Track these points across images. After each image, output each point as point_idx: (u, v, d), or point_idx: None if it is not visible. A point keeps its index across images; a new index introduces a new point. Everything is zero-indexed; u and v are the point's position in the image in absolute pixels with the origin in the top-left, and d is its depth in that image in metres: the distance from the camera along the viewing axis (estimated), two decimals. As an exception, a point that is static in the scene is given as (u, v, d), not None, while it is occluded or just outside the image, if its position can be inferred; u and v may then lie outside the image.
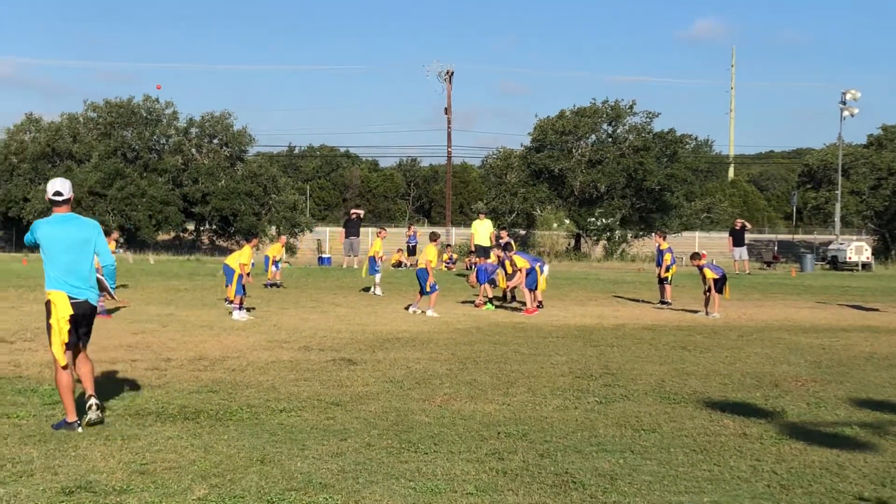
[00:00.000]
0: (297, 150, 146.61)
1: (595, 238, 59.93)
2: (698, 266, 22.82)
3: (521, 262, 23.37)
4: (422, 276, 22.30)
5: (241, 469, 7.88)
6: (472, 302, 24.40)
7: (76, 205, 55.84)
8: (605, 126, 62.13)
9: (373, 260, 27.71)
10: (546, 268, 24.54)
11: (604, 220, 58.88)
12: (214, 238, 65.15)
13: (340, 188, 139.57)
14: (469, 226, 46.23)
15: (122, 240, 46.41)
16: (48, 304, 9.48)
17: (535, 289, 23.13)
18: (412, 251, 44.01)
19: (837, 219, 63.73)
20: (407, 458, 8.35)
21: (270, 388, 11.76)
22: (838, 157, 65.61)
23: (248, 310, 20.94)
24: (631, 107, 61.36)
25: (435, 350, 15.50)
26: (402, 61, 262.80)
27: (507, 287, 24.14)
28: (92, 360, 9.95)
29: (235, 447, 8.61)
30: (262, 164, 65.77)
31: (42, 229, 9.56)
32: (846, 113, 58.26)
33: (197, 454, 8.32)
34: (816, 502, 7.25)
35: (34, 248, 9.70)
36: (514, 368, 13.61)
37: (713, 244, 61.41)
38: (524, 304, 23.26)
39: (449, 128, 65.48)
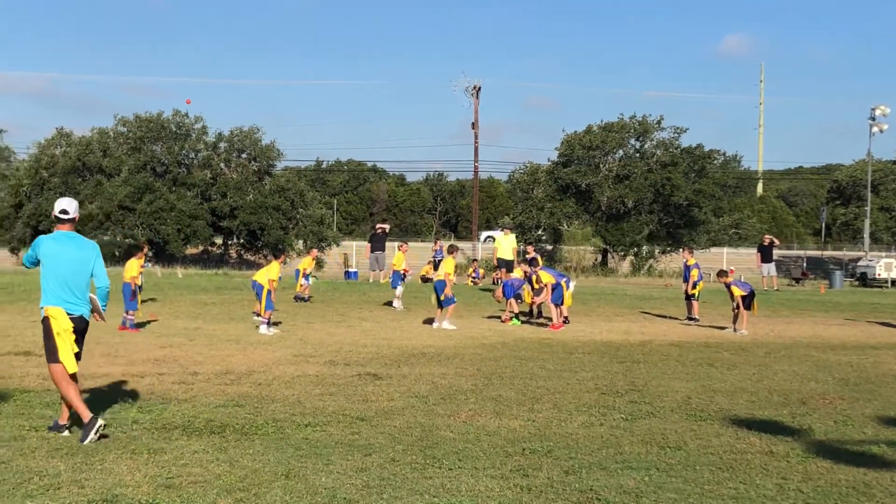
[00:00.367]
0: (324, 165, 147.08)
1: (622, 253, 59.75)
2: (725, 283, 22.71)
3: (547, 277, 23.35)
4: (439, 287, 22.44)
5: (266, 483, 7.90)
6: (499, 317, 24.37)
7: (105, 218, 56.43)
8: (632, 141, 61.94)
9: (395, 274, 27.88)
10: (572, 284, 24.51)
11: (634, 236, 58.72)
12: (242, 252, 65.32)
13: (367, 202, 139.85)
14: (493, 240, 46.11)
15: (150, 254, 46.69)
16: (46, 320, 9.72)
17: (561, 304, 23.09)
18: (438, 266, 43.94)
19: (867, 235, 63.39)
20: (431, 473, 8.35)
21: (296, 402, 11.79)
22: (867, 173, 65.31)
23: (275, 324, 21.02)
24: (659, 122, 61.19)
25: (460, 365, 15.50)
26: (430, 76, 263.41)
27: (534, 303, 24.11)
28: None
29: (261, 461, 8.64)
30: (289, 179, 65.91)
31: (44, 245, 9.83)
32: (875, 129, 57.99)
33: (222, 468, 8.36)
34: (843, 521, 7.21)
35: (35, 263, 9.88)
36: (540, 384, 13.59)
37: (741, 260, 61.13)
38: (550, 319, 23.22)
39: (476, 142, 65.64)
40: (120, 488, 7.68)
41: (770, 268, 41.72)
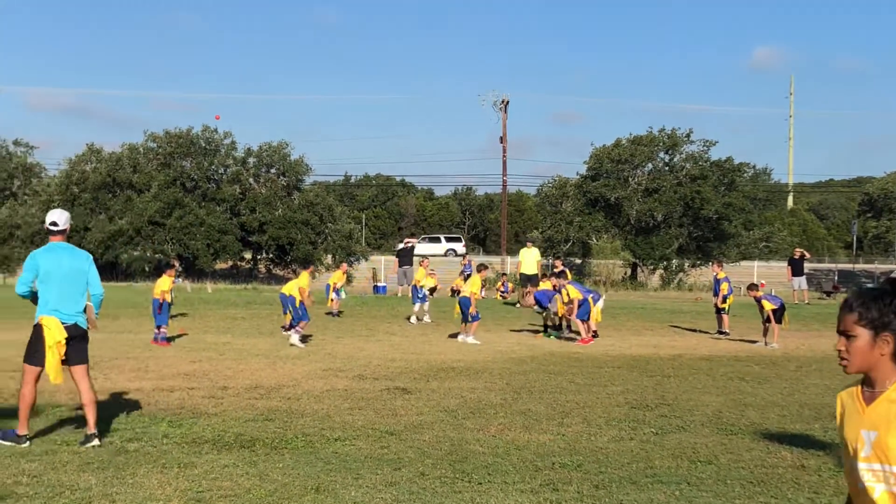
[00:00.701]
0: (352, 179, 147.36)
1: (652, 267, 59.56)
2: (756, 297, 22.60)
3: (574, 293, 23.30)
4: (464, 304, 22.47)
5: (295, 497, 7.91)
6: (529, 330, 24.35)
7: (136, 234, 56.74)
8: (661, 154, 61.75)
9: (415, 289, 28.01)
10: (601, 300, 24.43)
11: (664, 250, 58.50)
12: (271, 267, 65.50)
13: (396, 217, 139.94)
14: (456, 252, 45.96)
15: (180, 269, 46.87)
16: (38, 327, 9.93)
17: (588, 319, 23.02)
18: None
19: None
20: (461, 488, 8.34)
21: (325, 416, 11.80)
22: (899, 186, 64.81)
23: (305, 338, 21.09)
24: (688, 135, 60.99)
25: (489, 379, 15.48)
26: (458, 91, 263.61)
27: (564, 315, 24.09)
28: (95, 392, 10.25)
29: (290, 475, 8.65)
30: (318, 194, 66.05)
31: (38, 259, 10.04)
32: (907, 141, 57.50)
33: (252, 482, 8.37)
34: (876, 537, 7.14)
35: (31, 285, 10.03)
36: (569, 398, 13.56)
37: (772, 273, 60.78)
38: (578, 334, 23.18)
39: (504, 156, 65.60)
40: (150, 502, 7.71)
41: (801, 281, 41.46)
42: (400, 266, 40.89)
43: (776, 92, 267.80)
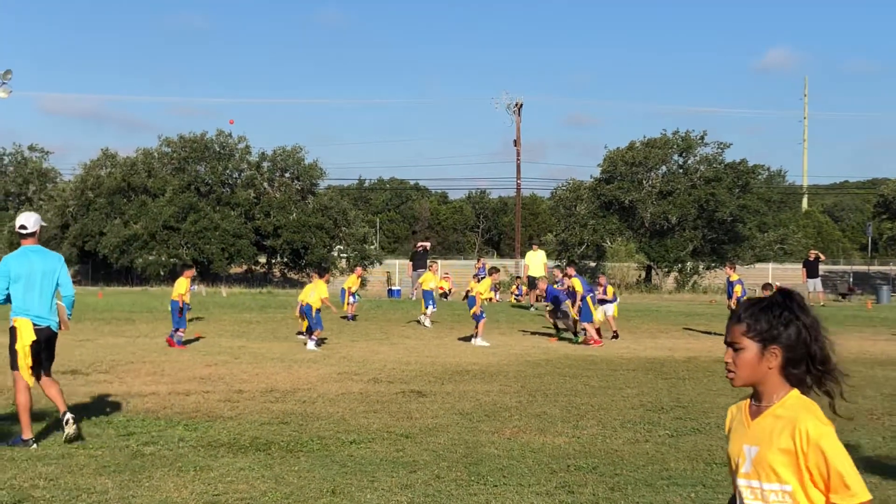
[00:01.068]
0: (366, 183, 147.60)
1: (666, 270, 59.45)
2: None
3: (578, 286, 23.32)
4: (471, 303, 22.66)
5: (311, 500, 7.93)
6: (543, 333, 24.34)
7: (150, 238, 56.89)
8: (675, 157, 61.62)
9: (426, 293, 28.08)
10: (615, 302, 24.41)
11: (678, 253, 58.40)
12: (286, 271, 65.63)
13: (410, 220, 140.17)
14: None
15: (195, 274, 46.95)
16: (13, 330, 10.07)
17: (591, 321, 22.88)
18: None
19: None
20: (476, 490, 8.34)
21: (340, 419, 11.82)
22: (915, 187, 64.60)
23: (320, 342, 21.15)
24: (702, 137, 60.85)
25: (504, 382, 15.48)
26: (472, 94, 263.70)
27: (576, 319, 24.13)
28: (57, 381, 10.47)
29: (306, 478, 8.67)
30: (332, 197, 66.16)
31: (9, 263, 10.17)
32: (922, 142, 57.32)
33: (268, 485, 8.40)
34: (893, 538, 7.13)
35: (5, 292, 10.11)
36: (584, 401, 13.55)
37: (787, 276, 60.57)
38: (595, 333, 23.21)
39: (518, 159, 65.57)
40: (167, 505, 7.74)
41: (816, 283, 41.35)
42: (414, 270, 40.86)
43: (790, 94, 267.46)
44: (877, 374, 17.18)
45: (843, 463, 3.49)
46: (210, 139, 64.32)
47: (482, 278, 43.11)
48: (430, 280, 28.74)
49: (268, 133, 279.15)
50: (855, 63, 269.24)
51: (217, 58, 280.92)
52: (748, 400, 3.75)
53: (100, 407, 12.55)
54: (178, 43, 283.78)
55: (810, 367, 3.64)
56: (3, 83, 38.31)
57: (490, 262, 52.87)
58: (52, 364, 10.49)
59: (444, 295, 41.40)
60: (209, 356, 18.83)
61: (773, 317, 3.61)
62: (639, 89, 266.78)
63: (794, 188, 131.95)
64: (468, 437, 10.77)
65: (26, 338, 9.97)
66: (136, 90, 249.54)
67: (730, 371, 3.68)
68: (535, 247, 38.50)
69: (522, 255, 68.00)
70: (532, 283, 36.79)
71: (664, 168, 61.26)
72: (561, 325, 24.38)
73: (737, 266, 27.96)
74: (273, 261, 66.35)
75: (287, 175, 65.80)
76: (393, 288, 48.83)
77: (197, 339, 21.90)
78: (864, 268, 78.64)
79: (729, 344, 3.68)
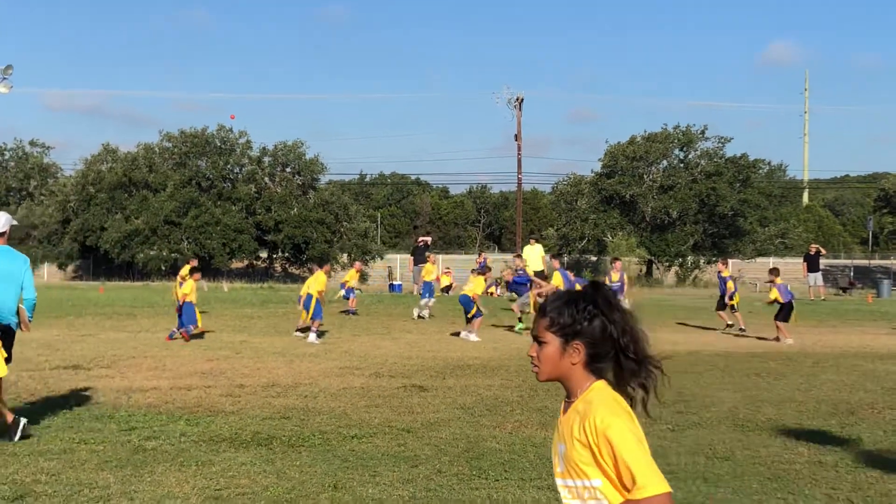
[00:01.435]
0: (367, 178, 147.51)
1: (667, 264, 59.50)
2: (773, 282, 22.57)
3: (557, 279, 23.31)
4: (465, 302, 22.52)
5: (313, 495, 7.94)
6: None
7: (151, 233, 56.94)
8: (676, 151, 61.72)
9: (426, 284, 28.20)
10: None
11: (679, 247, 58.44)
12: (287, 266, 65.70)
13: (411, 215, 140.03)
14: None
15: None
16: None
17: None
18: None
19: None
20: (478, 484, 8.35)
21: (342, 414, 11.83)
22: (915, 181, 64.57)
23: (321, 335, 21.18)
24: (703, 132, 60.93)
25: (506, 377, 15.48)
26: (473, 88, 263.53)
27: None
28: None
29: (308, 473, 8.68)
30: (333, 192, 66.24)
31: None
32: (923, 136, 57.33)
33: (270, 480, 8.40)
34: (894, 532, 7.13)
35: None
36: (586, 395, 13.53)
37: (787, 270, 60.46)
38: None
39: (519, 154, 65.49)
40: (169, 500, 7.74)
41: (816, 277, 41.33)
42: (415, 264, 40.87)
43: (791, 88, 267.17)
44: (877, 368, 17.19)
45: (631, 454, 3.27)
46: (211, 134, 64.38)
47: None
48: (432, 271, 28.78)
49: (269, 128, 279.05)
50: (856, 57, 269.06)
51: (218, 53, 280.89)
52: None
53: (101, 402, 12.56)
54: (179, 38, 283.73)
55: (621, 362, 3.51)
56: (4, 78, 38.27)
57: (491, 256, 52.90)
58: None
59: (446, 289, 41.45)
60: (210, 351, 18.84)
61: (577, 311, 3.47)
62: (640, 84, 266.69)
63: (794, 182, 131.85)
64: (470, 431, 10.77)
65: None
66: (138, 85, 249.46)
67: (534, 365, 3.55)
68: (532, 241, 38.55)
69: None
70: (540, 276, 36.75)
71: (665, 162, 61.33)
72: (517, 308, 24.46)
73: (728, 262, 27.93)
74: (274, 256, 66.41)
75: (288, 170, 65.85)
76: (394, 283, 48.88)
77: (200, 333, 21.90)
78: (864, 262, 78.62)
79: (534, 338, 3.56)
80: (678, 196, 58.22)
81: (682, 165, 61.14)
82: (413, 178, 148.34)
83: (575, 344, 3.46)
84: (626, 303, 23.90)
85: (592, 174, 63.62)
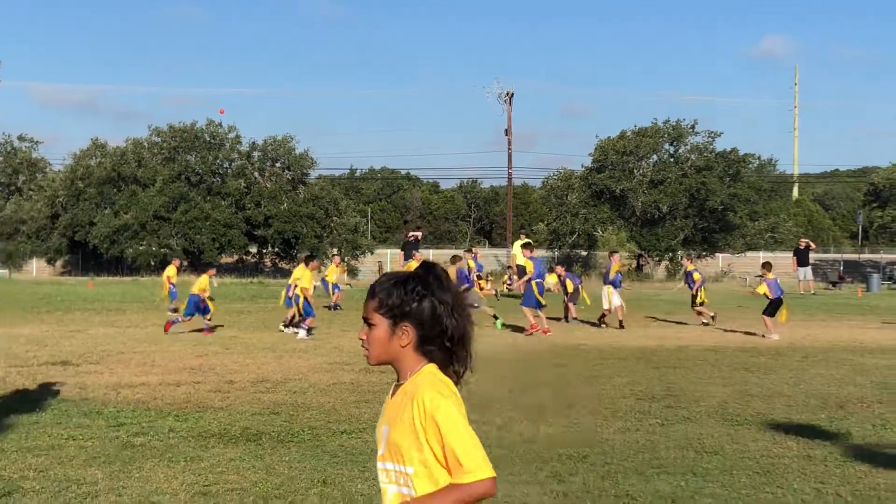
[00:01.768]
0: (358, 173, 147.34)
1: (657, 259, 59.56)
2: (764, 276, 22.60)
3: (529, 266, 23.27)
4: None
5: (302, 491, 7.93)
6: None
7: (141, 228, 56.80)
8: (666, 146, 61.72)
9: None
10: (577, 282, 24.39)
11: (669, 242, 58.50)
12: (277, 261, 65.59)
13: (401, 210, 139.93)
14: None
15: (185, 264, 46.94)
16: None
17: (534, 306, 22.54)
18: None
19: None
20: (467, 480, 8.33)
21: (331, 410, 11.82)
22: (904, 175, 64.79)
23: (309, 331, 21.16)
24: (693, 126, 60.94)
25: (496, 372, 15.46)
26: (464, 83, 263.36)
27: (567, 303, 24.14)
28: None
29: (297, 469, 8.67)
30: (323, 187, 66.08)
31: None
32: (912, 130, 57.50)
33: (259, 476, 8.39)
34: (882, 526, 7.15)
35: None
36: (575, 390, 13.57)
37: (778, 264, 60.28)
38: (596, 323, 23.29)
39: (509, 149, 65.57)
40: (157, 496, 7.73)
41: (806, 271, 41.41)
42: (406, 259, 40.89)
43: (781, 82, 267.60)
44: (867, 361, 17.23)
45: (458, 437, 3.25)
46: (200, 129, 64.20)
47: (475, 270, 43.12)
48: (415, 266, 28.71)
49: (258, 123, 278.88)
50: (845, 52, 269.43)
51: (208, 48, 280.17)
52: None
53: (90, 398, 12.53)
54: (168, 32, 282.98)
55: (443, 345, 3.43)
56: (-7, 73, 38.10)
57: (481, 251, 52.91)
58: None
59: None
60: (200, 346, 18.82)
61: (406, 292, 3.40)
62: (631, 78, 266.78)
63: (784, 177, 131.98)
64: (459, 426, 10.75)
65: None
66: (127, 80, 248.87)
67: (364, 348, 3.49)
68: (522, 236, 38.88)
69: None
70: (522, 271, 36.89)
71: (655, 157, 61.35)
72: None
73: (693, 257, 28.05)
74: (264, 251, 66.29)
75: (278, 165, 65.72)
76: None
77: (194, 330, 21.86)
78: (854, 256, 78.77)
79: (364, 320, 3.48)
80: (668, 190, 58.25)
81: (672, 160, 61.16)
82: (403, 172, 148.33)
83: (404, 325, 3.39)
84: (612, 296, 23.90)
85: (582, 169, 63.60)
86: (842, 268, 61.57)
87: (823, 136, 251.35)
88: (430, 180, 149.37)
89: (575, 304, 25.83)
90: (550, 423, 11.07)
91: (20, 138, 74.27)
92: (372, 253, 64.83)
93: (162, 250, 56.49)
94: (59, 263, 64.26)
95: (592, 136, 77.06)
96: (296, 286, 21.82)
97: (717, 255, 62.35)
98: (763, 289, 22.08)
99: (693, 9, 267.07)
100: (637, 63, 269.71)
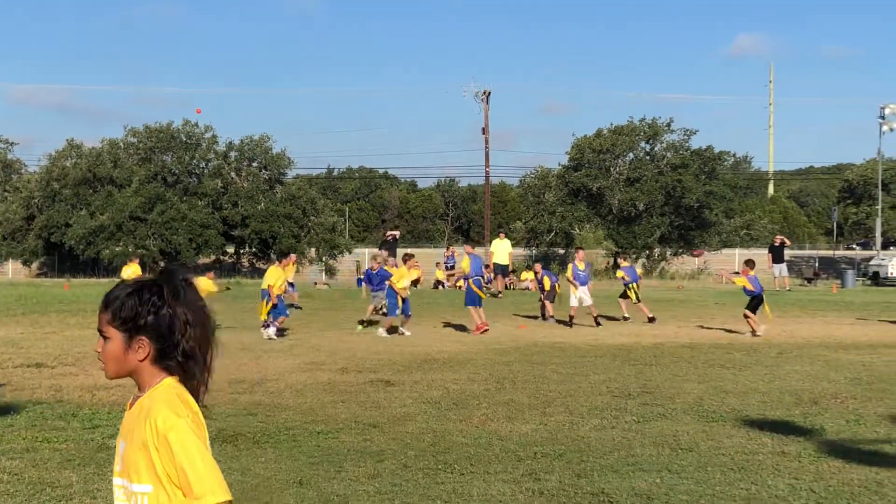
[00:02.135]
0: (335, 172, 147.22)
1: (634, 256, 59.76)
2: (745, 272, 22.69)
3: (465, 264, 23.23)
4: (391, 296, 21.99)
5: (278, 491, 7.93)
6: (526, 316, 24.36)
7: (117, 229, 56.57)
8: (642, 144, 61.99)
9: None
10: (582, 289, 24.35)
11: (646, 239, 58.72)
12: (254, 261, 65.47)
13: (379, 209, 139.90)
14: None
15: (159, 265, 46.71)
16: None
17: (478, 305, 22.56)
18: (451, 269, 44.18)
19: (878, 234, 63.31)
20: (443, 479, 8.36)
21: (308, 410, 11.81)
22: (878, 172, 65.25)
23: (281, 332, 21.12)
24: (668, 124, 61.22)
25: (472, 370, 15.51)
26: (441, 81, 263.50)
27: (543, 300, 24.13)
28: None
29: (273, 469, 8.67)
30: (301, 187, 66.01)
31: None
32: (885, 128, 57.97)
33: (235, 477, 8.38)
34: (855, 521, 7.20)
35: None
36: (552, 388, 13.59)
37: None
38: (563, 321, 23.33)
39: (487, 148, 65.59)
40: (133, 498, 7.71)
41: (782, 268, 41.59)
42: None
43: (756, 80, 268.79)
44: (841, 357, 17.33)
45: (190, 459, 3.04)
46: (176, 129, 64.02)
47: (451, 266, 43.20)
48: (403, 277, 28.61)
49: (235, 123, 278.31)
50: (820, 49, 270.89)
51: (184, 48, 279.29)
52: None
53: (65, 400, 12.48)
54: (144, 32, 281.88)
55: (181, 360, 3.22)
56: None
57: (458, 250, 52.93)
58: None
59: (415, 283, 41.39)
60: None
61: (141, 303, 3.13)
62: (607, 77, 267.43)
63: (759, 174, 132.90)
64: (436, 425, 10.78)
65: None
66: (102, 80, 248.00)
67: (101, 361, 3.23)
68: (501, 235, 39.13)
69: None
70: (503, 270, 37.11)
71: (631, 155, 61.60)
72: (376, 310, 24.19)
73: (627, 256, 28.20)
74: (241, 251, 66.16)
75: (254, 164, 65.61)
76: (362, 277, 48.75)
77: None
78: (829, 252, 79.23)
79: (99, 332, 3.21)
80: (644, 188, 58.47)
81: (648, 158, 61.42)
82: (381, 171, 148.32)
83: (139, 339, 3.14)
84: (584, 293, 23.89)
85: (559, 167, 63.77)
86: (817, 264, 61.94)
87: (798, 133, 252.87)
88: (408, 179, 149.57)
89: (552, 302, 25.85)
90: (526, 420, 11.10)
91: (-5, 140, 73.91)
92: (350, 252, 64.78)
93: (139, 251, 56.29)
94: (34, 265, 63.97)
95: (569, 135, 77.10)
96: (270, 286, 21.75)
97: (625, 254, 62.14)
98: (742, 281, 22.18)
99: (668, 8, 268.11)
100: (614, 62, 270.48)
